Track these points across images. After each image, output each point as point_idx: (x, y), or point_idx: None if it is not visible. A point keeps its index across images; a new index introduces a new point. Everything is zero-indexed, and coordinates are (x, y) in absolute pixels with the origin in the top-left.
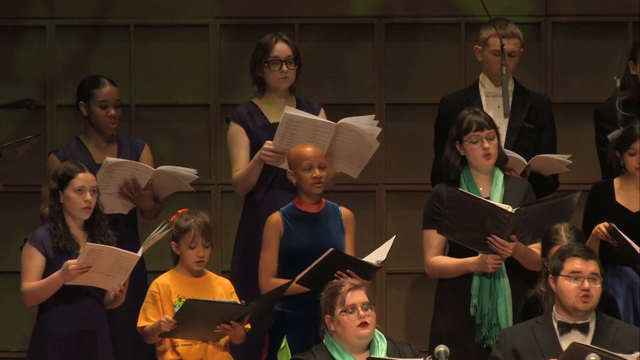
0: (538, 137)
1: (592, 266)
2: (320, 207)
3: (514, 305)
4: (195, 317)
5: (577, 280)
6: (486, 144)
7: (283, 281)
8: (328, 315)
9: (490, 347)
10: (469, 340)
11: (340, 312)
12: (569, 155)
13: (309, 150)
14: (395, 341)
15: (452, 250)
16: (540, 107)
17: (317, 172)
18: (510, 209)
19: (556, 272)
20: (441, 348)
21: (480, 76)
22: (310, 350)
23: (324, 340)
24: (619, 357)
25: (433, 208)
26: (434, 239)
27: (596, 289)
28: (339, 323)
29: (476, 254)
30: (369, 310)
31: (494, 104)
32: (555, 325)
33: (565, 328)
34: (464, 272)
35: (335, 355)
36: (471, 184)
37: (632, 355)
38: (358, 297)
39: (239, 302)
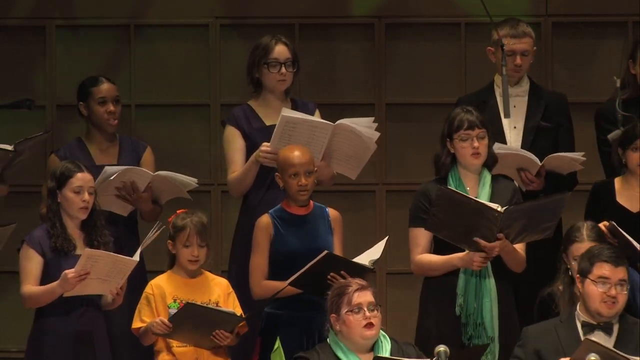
0: (555, 136)
1: (620, 273)
2: (309, 209)
3: (499, 306)
4: (192, 321)
5: (604, 285)
6: (476, 143)
7: (274, 283)
8: (334, 315)
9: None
10: (455, 338)
11: (346, 311)
12: (582, 153)
13: (296, 156)
14: (399, 342)
15: (437, 248)
16: (556, 106)
17: (303, 180)
18: (499, 208)
19: (584, 274)
20: (441, 348)
21: (495, 77)
22: (314, 349)
23: (328, 340)
24: (625, 357)
25: (420, 206)
26: (421, 236)
27: (623, 295)
28: (344, 322)
29: (461, 251)
30: (375, 311)
31: (510, 104)
32: (579, 325)
33: (589, 328)
34: (450, 269)
35: (339, 354)
36: (459, 183)
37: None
38: (365, 297)
39: (236, 313)
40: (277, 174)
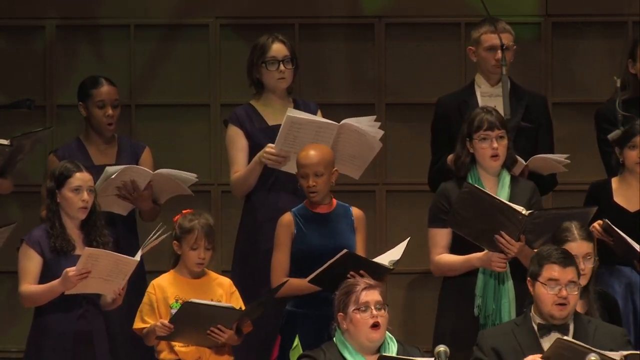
0: (535, 136)
1: (570, 274)
2: (331, 207)
3: (517, 306)
4: (191, 320)
5: (554, 288)
6: (495, 144)
7: (295, 280)
8: (341, 313)
9: None
10: (473, 339)
11: (354, 310)
12: (566, 155)
13: (306, 156)
14: (405, 344)
15: (456, 248)
16: (536, 106)
17: (310, 181)
18: (524, 211)
19: (534, 277)
20: (441, 348)
21: (476, 76)
22: (320, 348)
23: (334, 339)
24: (607, 356)
25: (439, 206)
26: (440, 237)
27: (573, 295)
28: (351, 321)
29: (480, 251)
30: (382, 311)
31: (490, 104)
32: (535, 327)
33: (545, 330)
34: (469, 269)
35: (345, 354)
36: (478, 183)
37: (617, 353)
38: (372, 296)
39: (235, 307)
40: (297, 172)
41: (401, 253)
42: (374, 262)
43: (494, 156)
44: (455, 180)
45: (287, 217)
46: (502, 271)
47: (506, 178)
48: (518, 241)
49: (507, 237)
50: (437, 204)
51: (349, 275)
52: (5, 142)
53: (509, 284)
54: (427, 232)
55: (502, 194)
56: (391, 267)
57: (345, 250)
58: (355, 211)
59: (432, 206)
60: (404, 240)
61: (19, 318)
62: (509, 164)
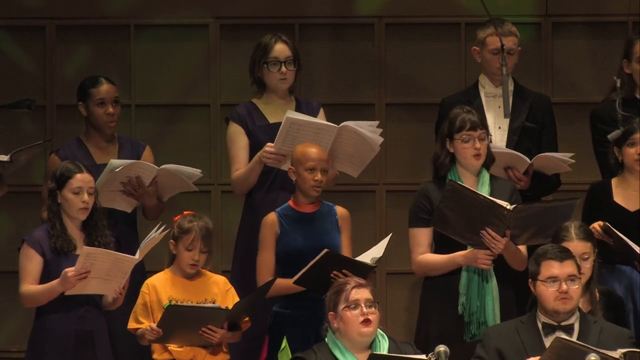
0: (539, 136)
1: (568, 267)
2: (316, 207)
3: (501, 304)
4: (178, 322)
5: (554, 284)
6: (477, 144)
7: (281, 280)
8: (332, 312)
9: None
10: (457, 338)
11: (344, 308)
12: (571, 154)
13: (314, 152)
14: (397, 340)
15: (438, 248)
16: (540, 106)
17: (319, 175)
18: (508, 206)
19: (534, 277)
20: (441, 348)
21: (480, 77)
22: (312, 348)
23: (326, 339)
24: (604, 353)
25: (420, 206)
26: (422, 236)
27: (574, 289)
28: (341, 319)
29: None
30: (373, 308)
31: (494, 104)
32: (539, 326)
33: (550, 329)
34: (453, 267)
35: (337, 353)
36: (459, 182)
37: (615, 352)
38: (362, 294)
39: (221, 306)
40: (290, 167)
41: (383, 250)
42: (356, 260)
43: (476, 155)
44: (435, 180)
45: (271, 217)
46: (487, 268)
47: (486, 176)
48: (503, 237)
49: (492, 233)
50: (417, 203)
51: (332, 276)
52: (5, 158)
53: (493, 282)
54: (408, 232)
55: (483, 192)
56: (374, 265)
57: (325, 250)
58: (340, 210)
59: (412, 206)
60: (385, 238)
61: (19, 318)
62: (488, 163)
